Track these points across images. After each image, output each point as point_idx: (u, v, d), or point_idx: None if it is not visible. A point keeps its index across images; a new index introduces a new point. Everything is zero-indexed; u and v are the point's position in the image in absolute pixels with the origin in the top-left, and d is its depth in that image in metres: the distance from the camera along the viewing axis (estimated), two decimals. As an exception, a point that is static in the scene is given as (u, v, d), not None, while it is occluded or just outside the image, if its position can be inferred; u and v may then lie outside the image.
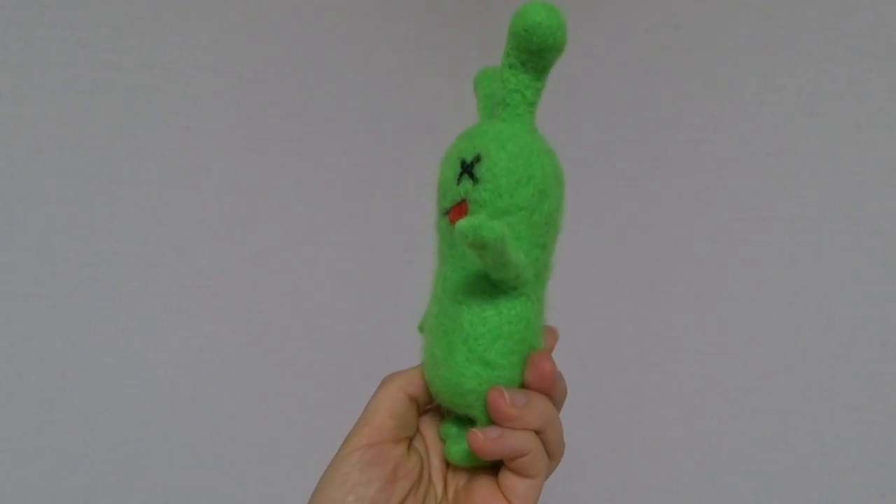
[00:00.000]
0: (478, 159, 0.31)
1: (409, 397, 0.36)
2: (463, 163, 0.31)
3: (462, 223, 0.26)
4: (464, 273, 0.32)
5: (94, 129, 0.61)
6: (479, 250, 0.27)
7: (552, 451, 0.34)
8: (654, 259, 0.70)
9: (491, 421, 0.33)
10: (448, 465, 0.38)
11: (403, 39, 0.84)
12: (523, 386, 0.33)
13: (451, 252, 0.32)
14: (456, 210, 0.31)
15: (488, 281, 0.31)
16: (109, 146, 0.62)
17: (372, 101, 0.81)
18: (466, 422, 0.35)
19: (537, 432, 0.33)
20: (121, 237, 0.63)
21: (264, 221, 0.71)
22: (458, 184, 0.31)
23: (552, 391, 0.33)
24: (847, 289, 0.56)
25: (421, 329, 0.36)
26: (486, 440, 0.32)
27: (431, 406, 0.39)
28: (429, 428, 0.38)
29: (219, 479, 0.68)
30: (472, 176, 0.30)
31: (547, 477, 0.35)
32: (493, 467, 0.36)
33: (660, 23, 0.70)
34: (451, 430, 0.36)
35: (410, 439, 0.37)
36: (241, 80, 0.70)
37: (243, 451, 0.70)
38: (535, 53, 0.31)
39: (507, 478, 0.34)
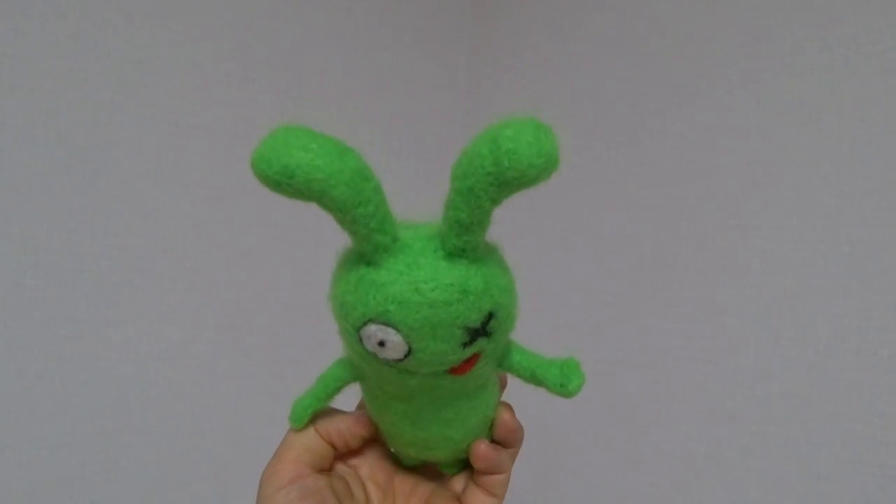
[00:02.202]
0: (490, 317, 0.28)
1: (324, 439, 0.35)
2: (471, 329, 0.27)
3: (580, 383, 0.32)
4: (436, 393, 0.31)
5: (81, 123, 0.61)
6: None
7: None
8: (636, 265, 0.70)
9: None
10: (394, 484, 0.38)
11: (394, 38, 0.84)
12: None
13: (394, 385, 0.31)
14: (462, 367, 0.29)
15: (462, 396, 0.32)
16: (97, 140, 0.62)
17: (361, 99, 0.81)
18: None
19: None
20: (106, 230, 0.62)
21: (250, 217, 0.72)
22: (464, 348, 0.28)
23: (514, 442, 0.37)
24: (824, 298, 0.57)
25: (304, 422, 0.35)
26: (490, 449, 0.35)
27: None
28: (367, 460, 0.38)
29: (198, 473, 0.68)
30: (486, 333, 0.28)
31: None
32: (448, 488, 0.37)
33: (644, 31, 0.71)
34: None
35: (330, 468, 0.36)
36: (229, 76, 0.70)
37: (223, 445, 0.70)
38: (516, 188, 0.25)
39: (472, 494, 0.36)
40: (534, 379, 0.33)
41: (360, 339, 0.28)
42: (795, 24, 0.60)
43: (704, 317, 0.64)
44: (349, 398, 0.36)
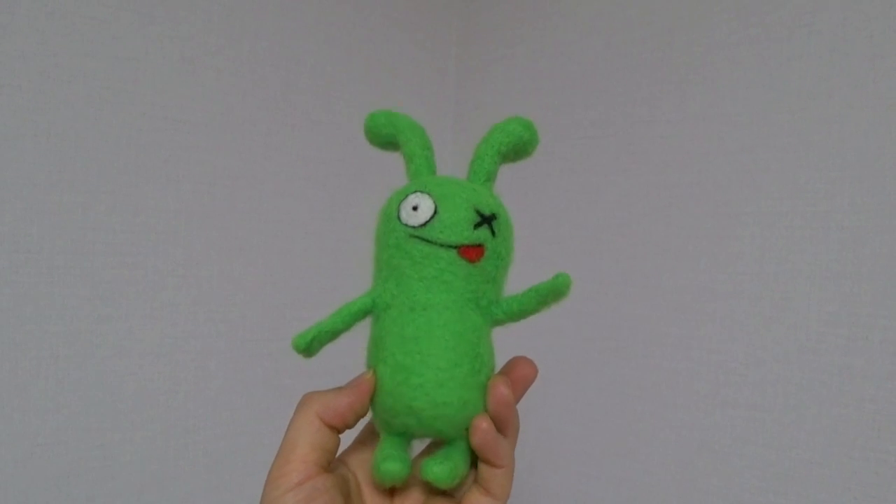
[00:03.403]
0: (494, 217, 0.37)
1: (328, 425, 0.35)
2: (481, 213, 0.36)
3: (567, 279, 0.36)
4: (450, 296, 0.36)
5: (71, 119, 0.61)
6: (557, 300, 0.37)
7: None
8: (627, 253, 0.71)
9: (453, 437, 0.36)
10: (393, 491, 0.38)
11: (382, 30, 0.84)
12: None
13: (417, 273, 0.36)
14: (471, 250, 0.36)
15: (474, 303, 0.37)
16: (87, 136, 0.62)
17: (350, 91, 0.81)
18: (402, 446, 0.37)
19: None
20: (97, 226, 0.62)
21: (242, 212, 0.71)
22: (474, 229, 0.36)
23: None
24: (815, 284, 0.58)
25: (305, 346, 0.36)
26: (491, 428, 0.34)
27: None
28: (360, 459, 0.38)
29: (193, 468, 0.68)
30: (491, 229, 0.36)
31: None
32: (444, 495, 0.38)
33: (633, 18, 0.71)
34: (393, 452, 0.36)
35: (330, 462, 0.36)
36: (219, 71, 0.70)
37: (218, 440, 0.70)
38: (515, 157, 0.41)
39: (472, 495, 0.36)
40: (527, 300, 0.37)
41: (399, 214, 0.36)
42: (783, 9, 0.60)
43: (696, 304, 0.65)
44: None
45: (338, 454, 0.38)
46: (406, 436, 0.36)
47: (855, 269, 0.55)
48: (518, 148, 0.40)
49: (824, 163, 0.57)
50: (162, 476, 0.66)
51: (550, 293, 0.36)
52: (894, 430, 0.53)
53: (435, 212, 0.36)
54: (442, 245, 0.36)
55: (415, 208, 0.36)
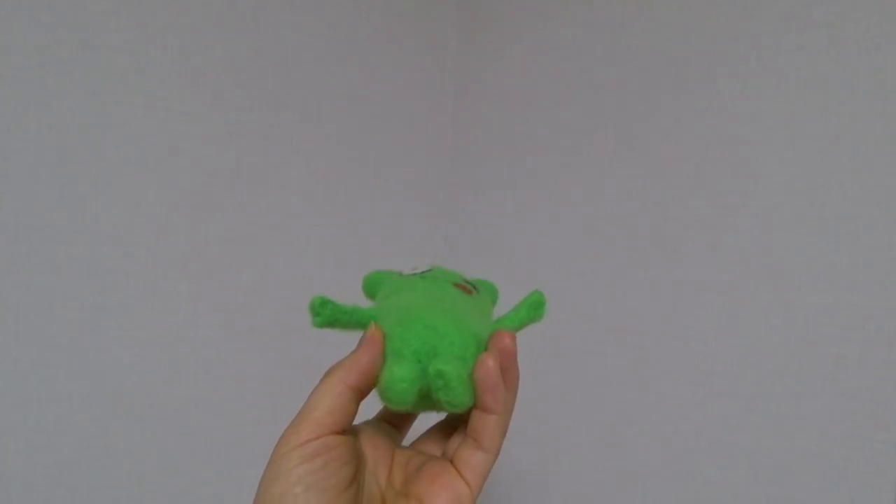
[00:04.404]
0: (475, 287, 0.45)
1: (351, 389, 0.36)
2: (466, 280, 0.45)
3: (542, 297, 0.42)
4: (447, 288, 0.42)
5: (71, 110, 0.61)
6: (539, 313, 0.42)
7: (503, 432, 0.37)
8: (624, 245, 0.71)
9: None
10: (394, 455, 0.39)
11: (382, 26, 0.84)
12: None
13: (425, 283, 0.43)
14: (464, 287, 0.43)
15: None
16: (88, 127, 0.62)
17: (351, 87, 0.81)
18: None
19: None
20: (98, 217, 0.63)
21: (242, 204, 0.72)
22: (464, 281, 0.44)
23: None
24: (812, 274, 0.58)
25: (319, 304, 0.38)
26: (495, 367, 0.35)
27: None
28: (374, 429, 0.40)
29: (195, 458, 0.69)
30: (475, 287, 0.45)
31: (495, 459, 0.37)
32: (443, 454, 0.39)
33: (631, 11, 0.71)
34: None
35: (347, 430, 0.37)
36: (220, 65, 0.70)
37: (220, 430, 0.70)
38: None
39: (463, 451, 0.37)
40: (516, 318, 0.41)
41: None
42: (780, 2, 0.60)
43: (693, 295, 0.65)
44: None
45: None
46: (415, 363, 0.36)
47: (851, 260, 0.56)
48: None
49: (820, 154, 0.57)
50: (164, 465, 0.67)
51: (533, 311, 0.42)
52: (890, 420, 0.53)
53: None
54: (452, 285, 0.44)
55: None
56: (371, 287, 0.46)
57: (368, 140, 0.82)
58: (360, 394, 0.36)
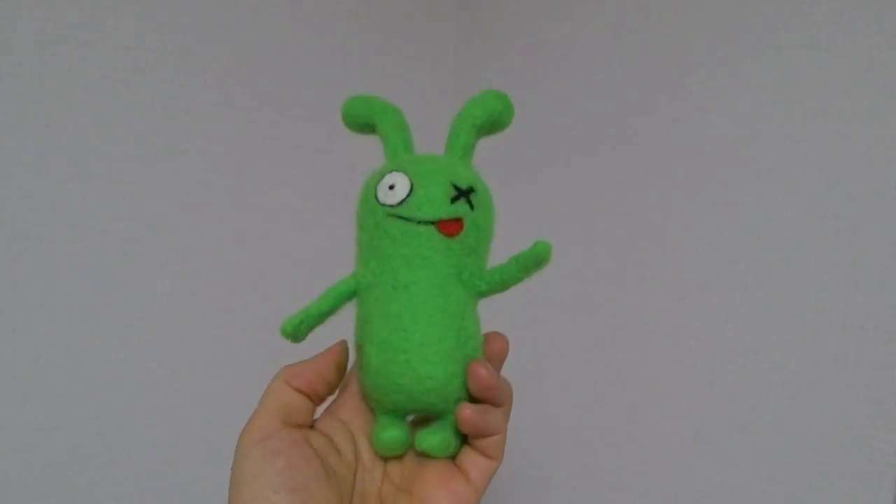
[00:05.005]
0: (472, 190, 0.37)
1: (294, 388, 0.36)
2: (457, 187, 0.36)
3: (547, 246, 0.35)
4: (431, 271, 0.36)
5: (70, 108, 0.61)
6: (539, 267, 0.36)
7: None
8: (623, 243, 0.71)
9: (444, 410, 0.36)
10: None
11: (382, 25, 0.84)
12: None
13: (397, 251, 0.37)
14: (449, 225, 0.36)
15: (456, 277, 0.37)
16: (87, 124, 0.62)
17: (351, 87, 0.80)
18: (398, 418, 0.37)
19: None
20: (97, 214, 0.63)
21: (241, 202, 0.72)
22: (451, 203, 0.36)
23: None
24: (810, 272, 0.58)
25: (292, 330, 0.38)
26: (475, 414, 0.34)
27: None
28: (358, 414, 0.38)
29: (193, 455, 0.69)
30: (469, 202, 0.36)
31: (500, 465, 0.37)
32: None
33: (630, 9, 0.71)
34: (388, 421, 0.37)
35: (310, 426, 0.37)
36: (219, 62, 0.70)
37: (218, 427, 0.70)
38: (491, 130, 0.41)
39: (468, 455, 0.36)
40: (509, 269, 0.37)
41: (376, 194, 0.37)
42: (780, 3, 0.60)
43: (692, 294, 0.65)
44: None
45: (327, 408, 0.39)
46: (399, 412, 0.37)
47: (850, 258, 0.56)
48: (493, 120, 0.40)
49: (820, 152, 0.57)
50: (162, 462, 0.67)
51: (531, 260, 0.36)
52: (889, 419, 0.53)
53: (411, 189, 0.36)
54: (420, 222, 0.36)
55: (391, 187, 0.36)
56: (355, 112, 0.45)
57: (368, 139, 0.82)
58: (308, 396, 0.37)
